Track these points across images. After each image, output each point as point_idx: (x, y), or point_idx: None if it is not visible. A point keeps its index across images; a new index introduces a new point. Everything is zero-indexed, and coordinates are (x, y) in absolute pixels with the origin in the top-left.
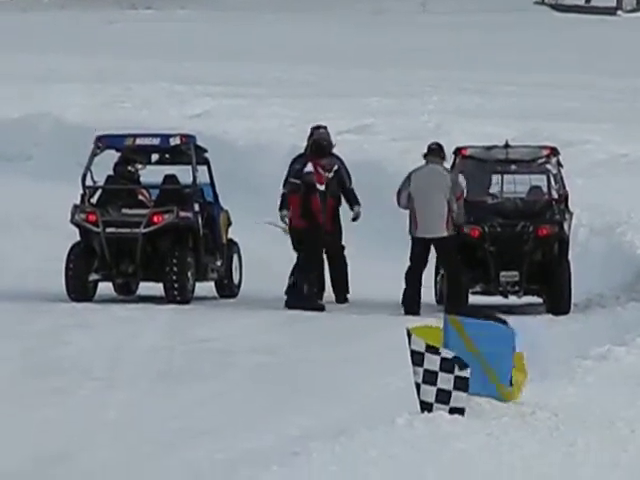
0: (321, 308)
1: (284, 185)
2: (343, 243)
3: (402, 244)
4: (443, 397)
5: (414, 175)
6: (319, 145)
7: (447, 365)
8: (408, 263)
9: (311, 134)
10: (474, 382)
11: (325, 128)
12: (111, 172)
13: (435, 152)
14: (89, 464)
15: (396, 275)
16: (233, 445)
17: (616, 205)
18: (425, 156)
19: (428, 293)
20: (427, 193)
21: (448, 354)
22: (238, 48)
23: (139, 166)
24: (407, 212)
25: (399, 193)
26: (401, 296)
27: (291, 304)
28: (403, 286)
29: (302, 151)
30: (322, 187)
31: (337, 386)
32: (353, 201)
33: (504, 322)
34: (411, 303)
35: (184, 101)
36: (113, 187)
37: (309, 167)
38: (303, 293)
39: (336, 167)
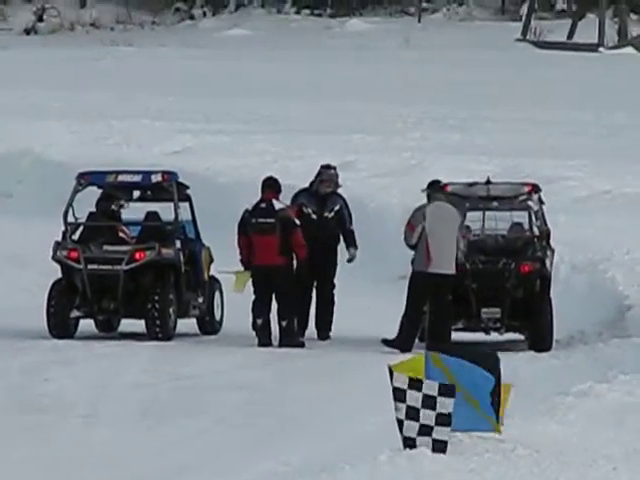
0: (301, 345)
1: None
2: (335, 281)
3: (384, 279)
4: (426, 431)
5: (429, 211)
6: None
7: (429, 401)
8: (405, 299)
9: (319, 173)
10: (460, 418)
11: (334, 169)
12: (93, 209)
13: (440, 189)
14: None
15: (379, 311)
16: None
17: (598, 242)
18: (429, 193)
19: None
20: (443, 229)
21: (431, 389)
22: (219, 85)
23: (121, 203)
24: (388, 246)
25: (412, 228)
26: (400, 333)
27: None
28: (400, 320)
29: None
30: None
31: (320, 423)
32: (351, 243)
33: (494, 356)
34: (411, 341)
35: (166, 138)
36: (95, 224)
37: (278, 204)
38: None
39: (337, 207)
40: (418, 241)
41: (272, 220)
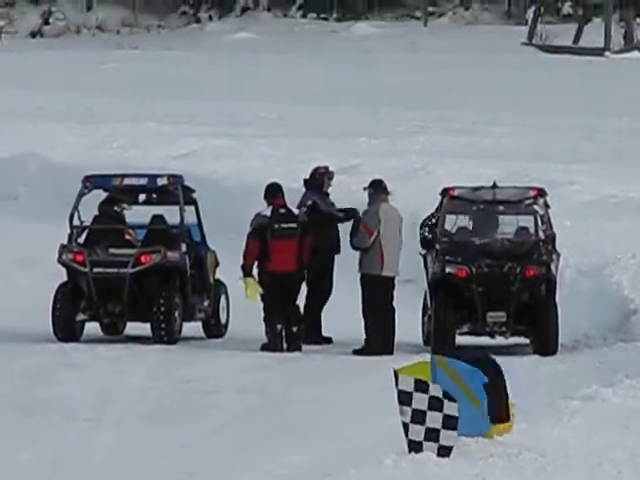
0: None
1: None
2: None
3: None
4: (432, 435)
5: (382, 213)
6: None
7: (436, 403)
8: (361, 304)
9: (324, 172)
10: (466, 422)
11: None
12: (97, 212)
13: (385, 189)
14: None
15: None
16: None
17: (603, 246)
18: (374, 193)
19: (415, 334)
20: (393, 231)
21: (437, 391)
22: (225, 88)
23: (125, 206)
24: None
25: (369, 231)
26: (369, 340)
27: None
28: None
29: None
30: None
31: (325, 426)
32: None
33: (493, 362)
34: (379, 343)
35: (171, 141)
36: (101, 227)
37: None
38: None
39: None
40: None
41: (294, 225)
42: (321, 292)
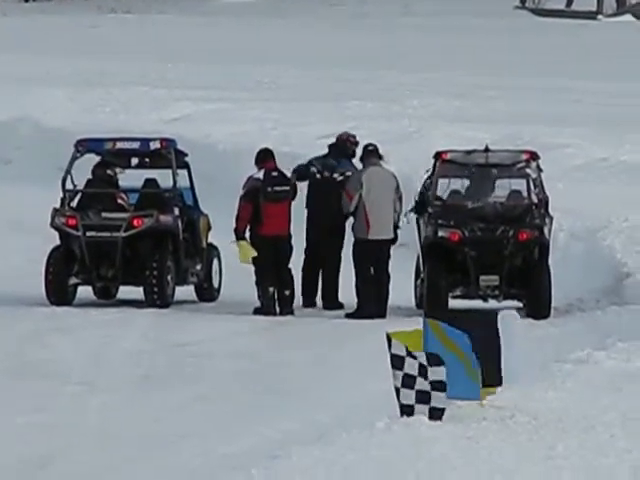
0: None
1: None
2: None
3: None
4: (423, 398)
5: (365, 177)
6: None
7: (424, 371)
8: (353, 268)
9: (352, 139)
10: (458, 385)
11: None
12: (90, 176)
13: (374, 153)
14: (70, 468)
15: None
16: (213, 449)
17: (596, 209)
18: (363, 158)
19: (408, 297)
20: (379, 195)
21: (424, 359)
22: (217, 52)
23: (118, 170)
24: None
25: (349, 195)
26: (360, 303)
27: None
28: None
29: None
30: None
31: (318, 390)
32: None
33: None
34: (370, 306)
35: (164, 105)
36: (93, 191)
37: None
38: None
39: None
40: (356, 208)
41: (288, 188)
42: (313, 255)
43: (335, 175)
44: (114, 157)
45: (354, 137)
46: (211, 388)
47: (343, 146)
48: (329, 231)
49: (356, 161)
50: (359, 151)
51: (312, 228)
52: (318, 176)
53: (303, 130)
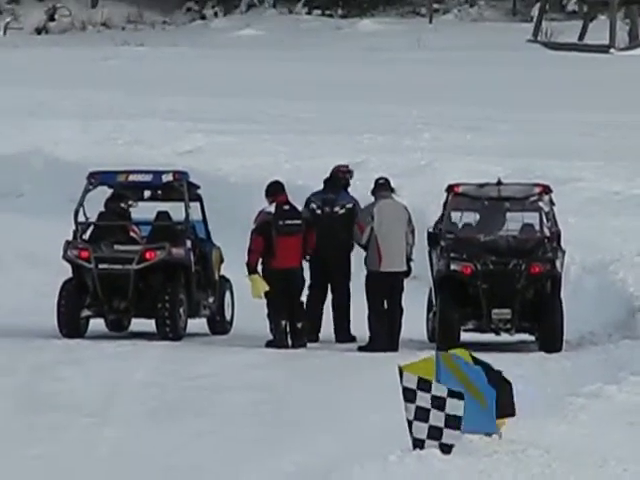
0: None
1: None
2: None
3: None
4: (435, 434)
5: (376, 210)
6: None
7: (439, 402)
8: (366, 301)
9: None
10: (469, 419)
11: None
12: (103, 208)
13: (386, 186)
14: None
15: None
16: None
17: (608, 243)
18: (374, 191)
19: (420, 331)
20: (390, 227)
21: (441, 391)
22: (230, 85)
23: (131, 202)
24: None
25: (361, 228)
26: (373, 336)
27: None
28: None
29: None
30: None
31: (330, 422)
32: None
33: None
34: (382, 339)
35: (176, 137)
36: (106, 223)
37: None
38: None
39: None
40: (368, 241)
41: (299, 222)
42: (319, 289)
43: (336, 209)
44: (126, 190)
45: (346, 167)
46: (223, 421)
47: (336, 178)
48: (336, 265)
49: (351, 190)
50: (354, 181)
51: (317, 263)
52: (319, 212)
53: (315, 163)
